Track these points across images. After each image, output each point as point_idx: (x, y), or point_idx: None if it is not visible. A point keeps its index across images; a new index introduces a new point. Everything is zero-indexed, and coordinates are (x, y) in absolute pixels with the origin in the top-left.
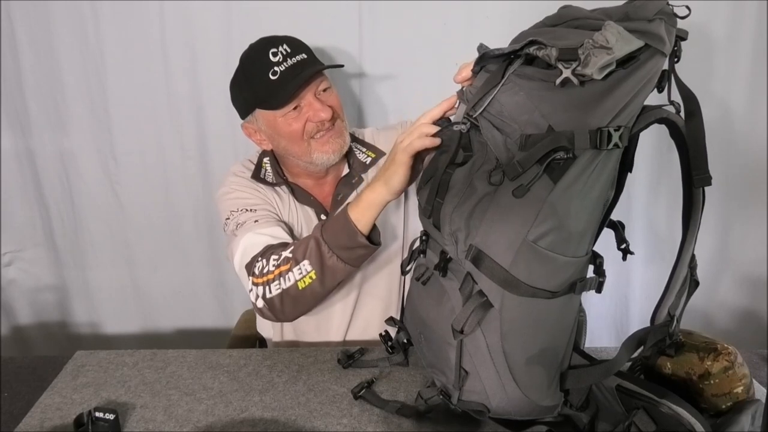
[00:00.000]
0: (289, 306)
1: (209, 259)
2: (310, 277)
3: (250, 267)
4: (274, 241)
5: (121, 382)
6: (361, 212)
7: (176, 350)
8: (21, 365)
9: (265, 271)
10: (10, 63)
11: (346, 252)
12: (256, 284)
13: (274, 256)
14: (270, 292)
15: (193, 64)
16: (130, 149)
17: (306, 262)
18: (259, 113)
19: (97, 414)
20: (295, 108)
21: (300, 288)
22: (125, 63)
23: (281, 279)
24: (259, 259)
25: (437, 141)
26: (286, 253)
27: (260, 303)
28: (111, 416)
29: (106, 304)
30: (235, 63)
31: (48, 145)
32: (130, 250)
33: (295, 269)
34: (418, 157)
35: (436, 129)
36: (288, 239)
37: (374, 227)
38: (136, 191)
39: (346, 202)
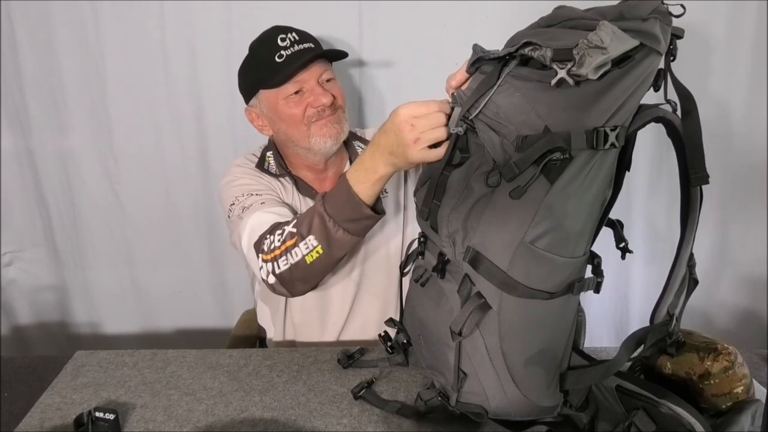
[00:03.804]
0: (299, 280)
1: (209, 259)
2: (317, 252)
3: (258, 245)
4: (282, 219)
5: (121, 382)
6: (370, 188)
7: (176, 350)
8: (21, 365)
9: (272, 247)
10: (10, 63)
11: (352, 224)
12: (265, 261)
13: (278, 231)
14: (279, 267)
15: (193, 64)
16: (130, 149)
17: (311, 237)
18: (263, 96)
19: (97, 414)
20: (297, 92)
21: (308, 262)
22: (125, 63)
23: (288, 254)
24: (267, 236)
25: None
26: (290, 228)
27: (272, 279)
28: (111, 416)
29: (106, 304)
30: (235, 63)
31: (48, 145)
32: (130, 250)
33: (301, 244)
34: None
35: (445, 130)
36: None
37: (378, 196)
38: (136, 191)
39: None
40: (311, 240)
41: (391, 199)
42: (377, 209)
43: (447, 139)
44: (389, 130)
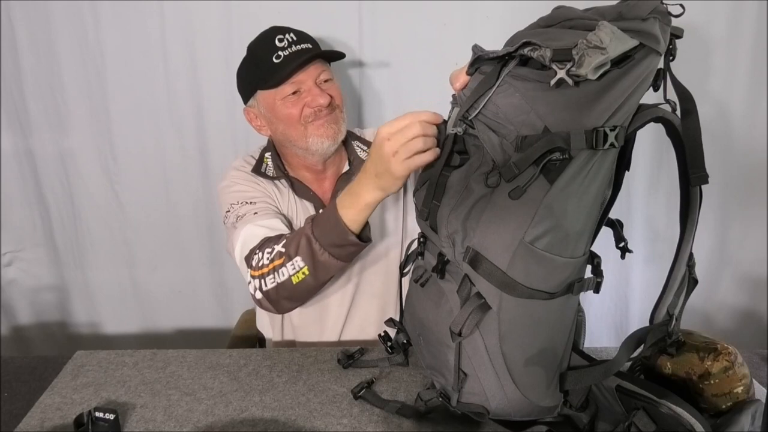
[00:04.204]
0: (285, 299)
1: (209, 259)
2: (303, 273)
3: (248, 259)
4: (273, 233)
5: (121, 382)
6: (357, 213)
7: (176, 350)
8: (21, 365)
9: (260, 264)
10: (10, 63)
11: (337, 249)
12: (253, 277)
13: (267, 250)
14: (266, 285)
15: (193, 63)
16: (130, 149)
17: (298, 258)
18: (261, 96)
19: (97, 414)
20: (294, 93)
21: (294, 283)
22: (125, 63)
23: (275, 273)
24: (257, 251)
25: (437, 153)
26: (279, 248)
27: (258, 295)
28: (111, 416)
29: (106, 304)
30: (235, 63)
31: (48, 145)
32: (130, 250)
33: (288, 264)
34: None
35: (432, 142)
36: (286, 231)
37: (366, 224)
38: (136, 191)
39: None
40: (298, 261)
41: (389, 201)
42: (363, 237)
43: (435, 147)
44: (372, 153)
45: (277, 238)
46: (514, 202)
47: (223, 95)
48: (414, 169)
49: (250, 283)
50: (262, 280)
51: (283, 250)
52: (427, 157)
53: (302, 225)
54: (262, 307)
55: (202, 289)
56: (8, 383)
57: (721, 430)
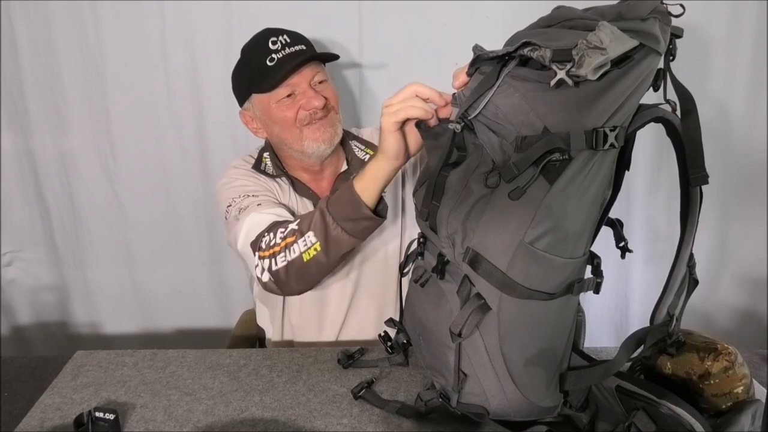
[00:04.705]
0: (294, 278)
1: (209, 259)
2: (315, 249)
3: (256, 243)
4: (280, 219)
5: (121, 382)
6: (366, 184)
7: (176, 350)
8: (21, 365)
9: (271, 243)
10: (10, 63)
11: (350, 224)
12: (262, 258)
13: (280, 229)
14: (276, 264)
15: (193, 63)
16: (130, 149)
17: (311, 233)
18: (255, 99)
19: (97, 414)
20: (289, 95)
21: (305, 260)
22: (125, 63)
23: (287, 251)
24: (266, 234)
25: (428, 111)
26: (293, 225)
27: (266, 276)
28: (111, 416)
29: (106, 304)
30: (234, 63)
31: (48, 145)
32: (130, 250)
33: (300, 241)
34: (410, 128)
35: (425, 104)
36: (292, 219)
37: (381, 200)
38: (136, 191)
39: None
40: (310, 236)
41: (389, 200)
42: (379, 213)
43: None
44: None
45: (287, 221)
46: (513, 203)
47: (223, 95)
48: (401, 120)
49: (257, 265)
50: (272, 260)
51: (296, 227)
52: (416, 111)
53: None
54: (268, 289)
55: (202, 289)
56: (8, 383)
57: (721, 430)
